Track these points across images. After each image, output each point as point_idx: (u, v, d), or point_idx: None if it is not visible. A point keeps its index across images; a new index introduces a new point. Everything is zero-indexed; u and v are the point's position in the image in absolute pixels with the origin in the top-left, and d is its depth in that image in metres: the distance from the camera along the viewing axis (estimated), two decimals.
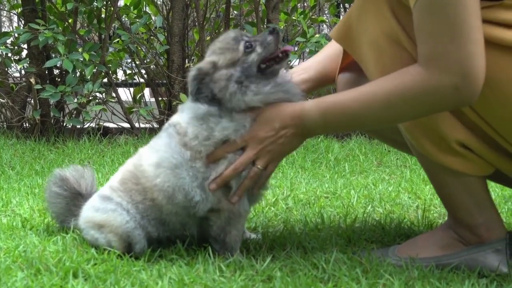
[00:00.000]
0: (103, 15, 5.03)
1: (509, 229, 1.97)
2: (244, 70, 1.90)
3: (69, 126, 4.98)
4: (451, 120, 1.79)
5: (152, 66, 5.18)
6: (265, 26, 5.11)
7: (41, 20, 4.67)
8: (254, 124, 1.90)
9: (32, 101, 4.87)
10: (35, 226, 2.37)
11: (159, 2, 5.56)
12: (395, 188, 3.07)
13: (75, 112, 4.91)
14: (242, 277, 1.80)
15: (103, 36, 5.01)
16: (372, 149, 4.32)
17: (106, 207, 2.01)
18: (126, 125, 5.18)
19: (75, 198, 2.23)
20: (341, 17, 5.86)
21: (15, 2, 5.48)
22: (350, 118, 1.85)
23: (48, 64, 4.70)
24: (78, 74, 4.74)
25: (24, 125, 4.98)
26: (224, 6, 5.35)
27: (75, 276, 1.81)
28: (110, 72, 5.05)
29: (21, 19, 5.36)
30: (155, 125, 5.05)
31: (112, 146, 4.57)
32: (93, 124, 5.10)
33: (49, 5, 5.03)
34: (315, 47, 4.66)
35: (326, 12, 6.46)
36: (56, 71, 5.11)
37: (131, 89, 5.40)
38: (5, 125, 4.96)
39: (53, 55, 4.95)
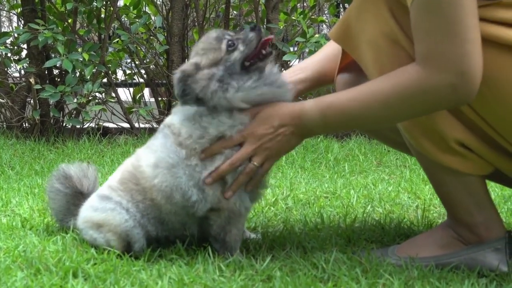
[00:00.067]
0: (102, 15, 5.03)
1: (508, 228, 1.97)
2: (227, 69, 1.91)
3: (69, 126, 4.98)
4: (450, 119, 1.79)
5: (151, 66, 5.18)
6: (264, 26, 5.11)
7: (41, 20, 4.67)
8: (253, 121, 1.90)
9: (31, 101, 4.87)
10: (34, 226, 2.38)
11: (158, 2, 5.56)
12: (394, 188, 3.07)
13: (74, 112, 4.91)
14: (241, 277, 1.80)
15: (102, 36, 5.01)
16: (371, 149, 4.32)
17: (105, 207, 2.01)
18: (126, 125, 5.18)
19: (76, 196, 2.23)
20: (340, 17, 5.86)
21: (15, 2, 5.48)
22: (349, 118, 1.85)
23: (48, 64, 4.70)
24: (77, 74, 4.74)
25: (24, 125, 4.99)
26: (223, 6, 5.35)
27: (75, 276, 1.82)
28: (110, 72, 5.05)
29: (20, 19, 5.36)
30: (155, 125, 5.05)
31: (111, 146, 4.57)
32: (92, 124, 5.11)
33: (48, 5, 5.03)
34: (315, 47, 4.66)
35: (325, 12, 6.45)
36: (55, 71, 5.11)
37: (131, 89, 5.40)
38: (4, 125, 4.96)
39: (53, 55, 4.95)
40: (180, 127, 1.94)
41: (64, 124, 5.01)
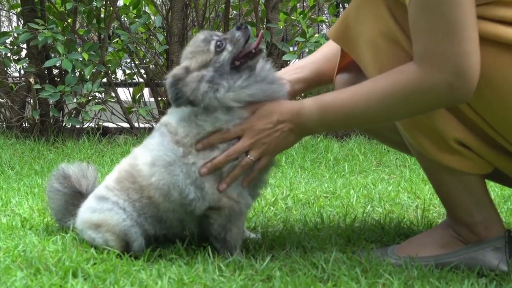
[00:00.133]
0: (102, 15, 5.03)
1: (508, 228, 1.97)
2: (217, 70, 1.91)
3: (69, 126, 4.98)
4: (449, 118, 1.79)
5: (151, 66, 5.18)
6: (264, 26, 5.11)
7: (40, 20, 4.66)
8: (253, 116, 1.91)
9: (31, 101, 4.87)
10: (34, 226, 2.37)
11: (158, 2, 5.56)
12: (394, 187, 3.07)
13: (74, 112, 4.91)
14: (241, 277, 1.80)
15: (102, 36, 5.01)
16: (371, 149, 4.32)
17: (102, 207, 2.02)
18: (126, 125, 5.18)
19: (74, 196, 2.23)
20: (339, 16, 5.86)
21: (14, 2, 5.48)
22: (347, 116, 1.85)
23: (48, 64, 4.70)
24: (77, 74, 4.74)
25: (24, 125, 4.98)
26: (223, 6, 5.35)
27: (74, 275, 1.82)
28: (110, 72, 5.05)
29: (20, 19, 5.36)
30: (155, 125, 5.04)
31: (111, 146, 4.57)
32: (92, 124, 5.10)
33: (48, 5, 5.03)
34: (315, 47, 4.66)
35: (325, 12, 6.45)
36: (55, 71, 5.11)
37: (131, 89, 5.40)
38: (4, 125, 4.96)
39: (53, 55, 4.95)
40: (177, 126, 1.95)
41: (63, 124, 5.01)
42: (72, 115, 4.93)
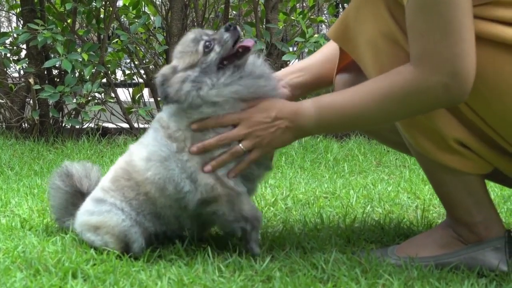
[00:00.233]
0: (102, 15, 5.03)
1: (508, 228, 1.97)
2: (203, 70, 1.91)
3: (68, 127, 4.97)
4: (448, 118, 1.79)
5: (151, 66, 5.18)
6: (264, 26, 5.11)
7: (40, 20, 4.66)
8: (253, 108, 1.91)
9: (31, 102, 4.87)
10: (34, 227, 2.37)
11: (158, 2, 5.55)
12: (394, 188, 3.07)
13: (74, 112, 4.91)
14: (241, 277, 1.80)
15: (102, 36, 5.01)
16: (371, 149, 4.32)
17: (101, 209, 2.02)
18: (125, 125, 5.18)
19: (75, 196, 2.24)
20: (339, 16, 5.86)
21: (14, 2, 5.47)
22: (344, 117, 1.86)
23: (47, 64, 4.69)
24: (77, 74, 4.74)
25: (23, 126, 4.98)
26: (223, 6, 5.35)
27: (74, 276, 1.81)
28: (109, 72, 5.04)
29: (20, 19, 5.36)
30: None
31: (111, 147, 4.56)
32: (92, 125, 5.10)
33: (48, 5, 5.02)
34: (314, 47, 4.66)
35: (325, 12, 6.45)
36: (55, 71, 5.10)
37: (130, 89, 5.39)
38: (4, 126, 4.96)
39: (52, 55, 4.95)
40: (168, 121, 1.96)
41: (63, 125, 5.01)
42: (72, 116, 4.93)
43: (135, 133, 4.96)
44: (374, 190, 3.03)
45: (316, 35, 4.92)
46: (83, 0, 4.83)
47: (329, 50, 2.15)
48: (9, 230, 2.32)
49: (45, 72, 4.97)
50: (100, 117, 5.13)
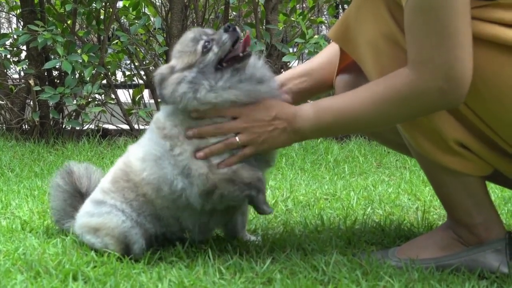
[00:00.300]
0: (102, 17, 5.03)
1: (508, 230, 1.96)
2: (201, 71, 1.90)
3: (69, 128, 4.98)
4: (449, 120, 1.79)
5: (151, 68, 5.18)
6: (264, 27, 5.11)
7: (40, 22, 4.66)
8: (255, 105, 1.90)
9: (31, 103, 4.87)
10: (34, 229, 2.37)
11: (158, 3, 5.56)
12: (394, 189, 3.07)
13: (74, 113, 4.91)
14: (242, 280, 1.80)
15: (102, 38, 5.01)
16: (371, 151, 4.32)
17: (101, 211, 2.02)
18: (126, 126, 5.18)
19: (74, 196, 2.24)
20: (339, 18, 5.85)
21: (14, 3, 5.48)
22: (343, 121, 1.85)
23: (47, 65, 4.69)
24: (77, 75, 4.74)
25: (23, 127, 4.98)
26: (222, 7, 5.35)
27: (74, 278, 1.81)
28: (109, 73, 5.04)
29: (20, 20, 5.36)
30: None
31: (111, 148, 4.57)
32: (92, 126, 5.10)
33: (48, 6, 5.03)
34: (314, 48, 4.66)
35: (325, 13, 6.45)
36: (55, 73, 5.11)
37: (130, 91, 5.39)
38: (4, 127, 4.96)
39: (52, 57, 4.95)
40: (165, 121, 1.95)
41: (63, 126, 5.01)
42: (72, 117, 4.93)
43: (135, 134, 4.96)
44: (374, 191, 3.03)
45: (316, 36, 4.92)
46: (83, 1, 4.83)
47: (330, 52, 2.15)
48: (10, 232, 2.32)
49: (45, 74, 4.97)
50: (100, 118, 5.14)
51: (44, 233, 2.30)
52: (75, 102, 4.70)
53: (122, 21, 5.26)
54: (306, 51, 4.76)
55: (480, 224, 1.90)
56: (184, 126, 1.91)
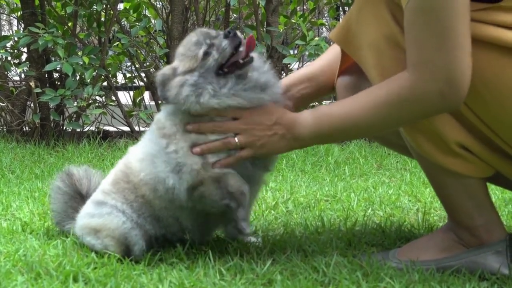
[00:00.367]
0: (102, 19, 5.03)
1: (509, 231, 1.96)
2: (201, 75, 1.89)
3: (69, 130, 4.98)
4: (450, 121, 1.79)
5: (152, 70, 5.18)
6: (264, 29, 5.12)
7: (41, 24, 4.67)
8: (257, 108, 1.90)
9: (32, 105, 4.88)
10: (35, 230, 2.37)
11: (158, 6, 5.56)
12: (395, 191, 3.07)
13: (75, 115, 4.91)
14: (242, 281, 1.80)
15: (102, 40, 5.01)
16: (372, 152, 4.32)
17: (101, 212, 2.02)
18: (126, 128, 5.18)
19: (74, 198, 2.24)
20: (340, 20, 5.86)
21: (15, 5, 5.48)
22: (342, 127, 1.85)
23: (48, 67, 4.70)
24: (77, 77, 4.74)
25: (24, 129, 4.98)
26: (223, 9, 5.36)
27: (75, 280, 1.81)
28: (110, 75, 5.05)
29: (20, 22, 5.36)
30: None
31: (112, 150, 4.57)
32: (93, 128, 5.10)
33: (48, 8, 5.03)
34: (315, 50, 4.66)
35: (325, 15, 6.45)
36: (55, 75, 5.11)
37: (131, 93, 5.40)
38: (5, 129, 4.96)
39: (53, 59, 4.95)
40: (165, 121, 1.96)
41: (64, 128, 5.01)
42: (73, 119, 4.93)
43: (136, 136, 4.96)
44: (375, 193, 3.03)
45: (316, 38, 4.92)
46: (84, 3, 4.83)
47: (332, 55, 2.14)
48: (10, 234, 2.33)
49: (46, 76, 4.97)
50: (101, 120, 5.14)
51: (45, 234, 2.30)
52: (75, 104, 4.71)
53: (122, 23, 5.26)
54: (307, 53, 4.77)
55: (481, 226, 1.90)
56: (183, 125, 1.92)
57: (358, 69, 1.94)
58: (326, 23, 6.02)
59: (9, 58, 5.04)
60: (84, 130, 5.01)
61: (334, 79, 2.10)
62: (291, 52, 5.16)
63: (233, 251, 2.05)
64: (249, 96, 1.89)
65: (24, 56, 5.19)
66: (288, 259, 1.98)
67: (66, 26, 4.98)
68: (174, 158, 1.90)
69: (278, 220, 2.51)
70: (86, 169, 2.32)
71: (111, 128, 5.25)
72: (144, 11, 5.35)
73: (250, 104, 1.89)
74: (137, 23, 5.04)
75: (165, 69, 1.96)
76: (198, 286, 1.77)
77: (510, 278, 1.85)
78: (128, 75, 5.41)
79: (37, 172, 3.81)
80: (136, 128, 5.12)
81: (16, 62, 5.17)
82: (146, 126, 5.09)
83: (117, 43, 5.14)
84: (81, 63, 4.62)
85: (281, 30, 5.18)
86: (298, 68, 5.44)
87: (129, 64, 5.40)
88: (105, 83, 5.07)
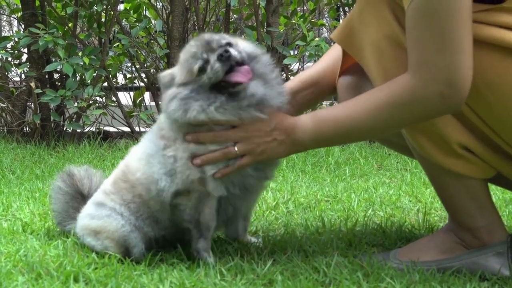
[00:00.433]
0: (103, 19, 5.04)
1: (510, 232, 1.96)
2: (194, 90, 1.87)
3: (70, 130, 4.98)
4: (453, 123, 1.79)
5: (152, 70, 5.19)
6: (264, 30, 5.12)
7: (41, 24, 4.67)
8: None
9: (32, 105, 4.88)
10: (35, 231, 2.37)
11: (159, 6, 5.56)
12: (395, 191, 3.07)
13: (75, 116, 4.92)
14: (243, 281, 1.80)
15: (103, 40, 5.02)
16: (372, 153, 4.32)
17: (101, 213, 2.03)
18: (127, 129, 5.19)
19: (76, 198, 2.24)
20: (340, 20, 5.86)
21: (15, 6, 5.49)
22: (342, 130, 1.84)
23: (48, 68, 4.70)
24: (78, 78, 4.75)
25: (25, 130, 4.99)
26: (223, 10, 5.36)
27: (76, 280, 1.81)
28: (110, 76, 5.05)
29: (21, 23, 5.37)
30: None
31: (112, 150, 4.57)
32: (93, 128, 5.11)
33: (49, 9, 5.04)
34: (315, 51, 4.66)
35: (326, 15, 6.46)
36: (56, 75, 5.11)
37: (131, 93, 5.40)
38: (5, 130, 4.96)
39: (53, 59, 4.96)
40: (165, 121, 1.96)
41: (64, 128, 5.02)
42: (73, 120, 4.93)
43: (136, 137, 4.96)
44: (375, 193, 3.03)
45: (317, 39, 4.93)
46: (84, 4, 4.84)
47: (333, 57, 2.13)
48: (11, 234, 2.33)
49: (46, 76, 4.98)
50: (101, 121, 5.14)
51: (45, 235, 2.30)
52: (76, 104, 4.71)
53: (123, 23, 5.27)
54: (307, 53, 4.77)
55: (483, 227, 1.90)
56: (182, 131, 1.91)
57: (360, 69, 1.94)
58: (327, 24, 6.03)
59: (10, 59, 5.04)
60: (85, 130, 5.02)
61: (333, 79, 2.09)
62: (292, 52, 5.17)
63: (234, 251, 2.05)
64: (239, 113, 1.86)
65: (24, 57, 5.20)
66: (288, 260, 1.98)
67: (66, 27, 4.98)
68: (170, 163, 1.91)
69: (278, 220, 2.51)
70: (87, 169, 2.33)
71: (111, 129, 5.26)
72: (144, 12, 5.36)
73: (240, 120, 1.87)
74: (137, 24, 5.05)
75: (165, 74, 1.95)
76: (198, 287, 1.77)
77: (511, 279, 1.84)
78: (128, 75, 5.41)
79: (38, 172, 3.81)
80: (137, 129, 5.13)
81: (17, 62, 5.18)
82: (146, 127, 5.09)
83: (118, 43, 5.15)
84: (82, 63, 4.63)
85: (282, 30, 5.18)
86: (298, 69, 5.45)
87: (129, 64, 5.41)
88: (105, 84, 5.08)
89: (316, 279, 1.82)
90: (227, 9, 5.27)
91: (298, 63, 5.28)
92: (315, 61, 4.57)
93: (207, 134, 1.88)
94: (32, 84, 4.71)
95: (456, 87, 1.66)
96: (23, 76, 5.30)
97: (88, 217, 2.07)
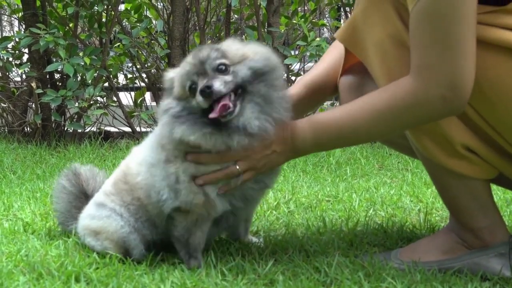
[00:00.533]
0: (104, 19, 5.04)
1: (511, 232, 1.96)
2: (186, 109, 1.83)
3: (70, 130, 4.99)
4: (456, 123, 1.78)
5: (153, 70, 5.19)
6: (265, 30, 5.12)
7: (42, 25, 4.68)
8: None
9: (33, 106, 4.88)
10: (36, 231, 2.38)
11: (159, 6, 5.57)
12: (396, 191, 3.07)
13: (76, 116, 4.92)
14: (244, 281, 1.80)
15: (104, 40, 5.02)
16: (373, 153, 4.32)
17: (101, 214, 2.03)
18: (127, 129, 5.19)
19: (79, 197, 2.24)
20: (341, 20, 5.86)
21: (16, 6, 5.49)
22: (341, 134, 1.83)
23: (49, 68, 4.71)
24: (79, 78, 4.75)
25: (26, 130, 4.99)
26: (224, 10, 5.36)
27: (77, 280, 1.81)
28: (111, 76, 5.05)
29: (22, 23, 5.37)
30: None
31: (113, 150, 4.57)
32: (94, 128, 5.11)
33: (50, 9, 5.04)
34: (316, 51, 4.66)
35: (326, 15, 6.46)
36: (57, 75, 5.12)
37: (132, 93, 5.40)
38: (6, 130, 4.97)
39: (54, 60, 4.96)
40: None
41: (65, 128, 5.02)
42: (74, 120, 4.94)
43: (137, 137, 4.97)
44: (376, 193, 3.03)
45: (318, 39, 4.93)
46: (85, 4, 4.84)
47: (335, 59, 2.12)
48: (12, 234, 2.33)
49: (47, 76, 4.98)
50: (102, 121, 5.15)
51: (46, 235, 2.30)
52: (77, 104, 4.71)
53: (124, 24, 5.27)
54: (308, 53, 4.77)
55: (485, 227, 1.90)
56: (180, 147, 1.87)
57: (361, 68, 1.94)
58: (327, 24, 6.03)
59: (11, 59, 5.05)
60: (86, 130, 5.02)
61: (335, 80, 2.09)
62: (292, 52, 5.17)
63: (235, 251, 2.05)
64: (227, 142, 1.80)
65: (25, 57, 5.20)
66: (290, 260, 1.98)
67: (67, 27, 4.99)
68: (173, 181, 1.88)
69: (279, 220, 2.51)
70: (91, 168, 2.33)
71: (112, 129, 5.26)
72: (145, 12, 5.36)
73: (224, 146, 1.81)
74: (138, 24, 5.05)
75: (168, 78, 1.91)
76: (200, 287, 1.77)
77: None
78: (129, 75, 5.42)
79: (39, 172, 3.81)
80: (138, 129, 5.13)
81: (18, 63, 5.18)
82: (147, 127, 5.09)
83: (118, 43, 5.15)
84: (82, 63, 4.63)
85: (282, 30, 5.18)
86: (299, 69, 5.44)
87: (130, 64, 5.42)
88: (106, 84, 5.08)
89: (317, 279, 1.82)
90: (228, 9, 5.27)
91: (299, 63, 5.28)
92: (316, 61, 4.57)
93: (207, 156, 1.85)
94: (33, 84, 4.71)
95: (458, 91, 1.66)
96: (24, 76, 5.30)
97: (88, 217, 2.08)
